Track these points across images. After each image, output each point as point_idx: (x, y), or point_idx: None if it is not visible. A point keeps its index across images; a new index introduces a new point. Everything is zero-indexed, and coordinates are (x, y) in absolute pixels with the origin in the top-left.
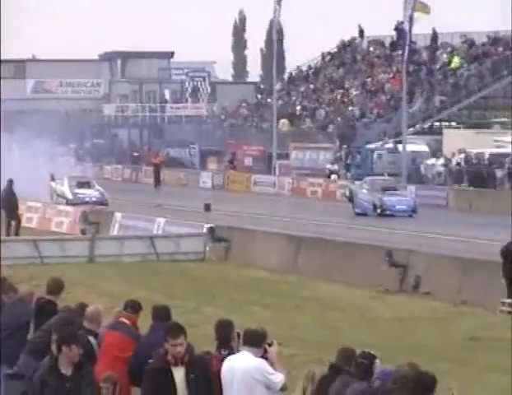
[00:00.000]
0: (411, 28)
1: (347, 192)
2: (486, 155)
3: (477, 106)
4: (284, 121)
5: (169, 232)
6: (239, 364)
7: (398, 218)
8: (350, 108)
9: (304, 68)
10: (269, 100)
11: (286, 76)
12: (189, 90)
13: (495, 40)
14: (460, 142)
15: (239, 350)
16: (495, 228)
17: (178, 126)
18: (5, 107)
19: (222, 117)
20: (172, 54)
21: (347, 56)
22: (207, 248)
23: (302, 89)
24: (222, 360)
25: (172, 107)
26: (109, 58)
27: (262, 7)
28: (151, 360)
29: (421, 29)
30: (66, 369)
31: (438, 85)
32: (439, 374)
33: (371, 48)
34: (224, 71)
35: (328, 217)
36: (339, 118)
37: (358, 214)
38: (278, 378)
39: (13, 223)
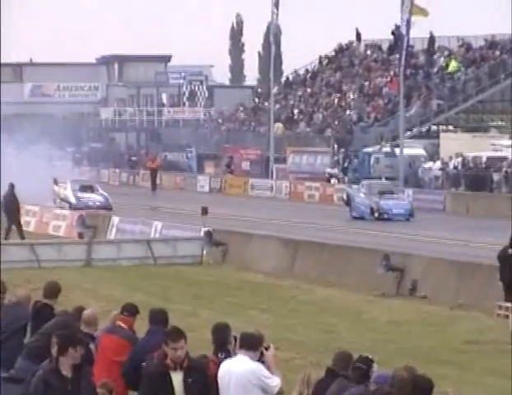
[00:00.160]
0: (408, 32)
1: (344, 196)
2: (484, 159)
3: (474, 110)
4: (278, 125)
5: (166, 236)
6: (236, 368)
7: (395, 222)
8: (347, 111)
9: (302, 72)
10: (266, 104)
11: (283, 79)
12: (186, 93)
13: (492, 44)
14: (457, 146)
15: (235, 354)
16: (493, 232)
17: (175, 130)
18: (3, 111)
19: (219, 121)
20: (169, 58)
21: (345, 60)
22: (205, 252)
23: (299, 93)
24: (219, 364)
25: (169, 111)
26: (106, 61)
27: (259, 11)
28: (144, 364)
29: (419, 32)
30: (66, 371)
31: (435, 88)
32: (435, 378)
33: (368, 52)
34: (221, 74)
35: (325, 221)
36: (336, 122)
37: (355, 218)
38: (275, 381)
39: (13, 227)
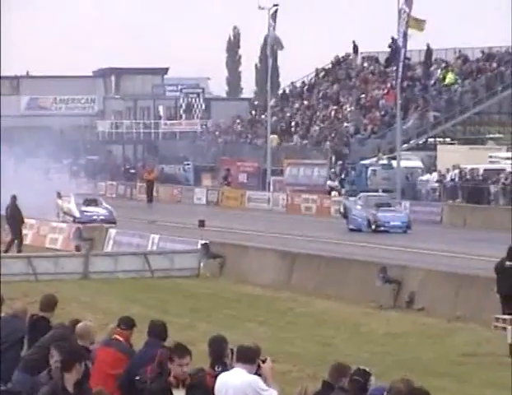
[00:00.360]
0: (405, 44)
1: (342, 209)
2: (481, 171)
3: (471, 122)
4: (273, 136)
5: (163, 248)
6: (233, 381)
7: (393, 234)
8: (344, 124)
9: (299, 84)
10: (263, 117)
11: (280, 92)
12: (183, 106)
13: (489, 56)
14: (454, 158)
15: (232, 367)
16: (490, 244)
17: (172, 142)
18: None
19: (216, 133)
20: (166, 70)
21: (341, 72)
22: (202, 265)
23: (296, 105)
24: (216, 377)
25: (166, 123)
26: (103, 74)
27: (256, 23)
28: (137, 378)
29: (416, 45)
30: (70, 387)
31: (432, 101)
32: (433, 390)
33: (365, 65)
34: (218, 87)
35: (322, 233)
36: (333, 134)
37: (352, 230)
38: (272, 394)
39: (16, 241)
